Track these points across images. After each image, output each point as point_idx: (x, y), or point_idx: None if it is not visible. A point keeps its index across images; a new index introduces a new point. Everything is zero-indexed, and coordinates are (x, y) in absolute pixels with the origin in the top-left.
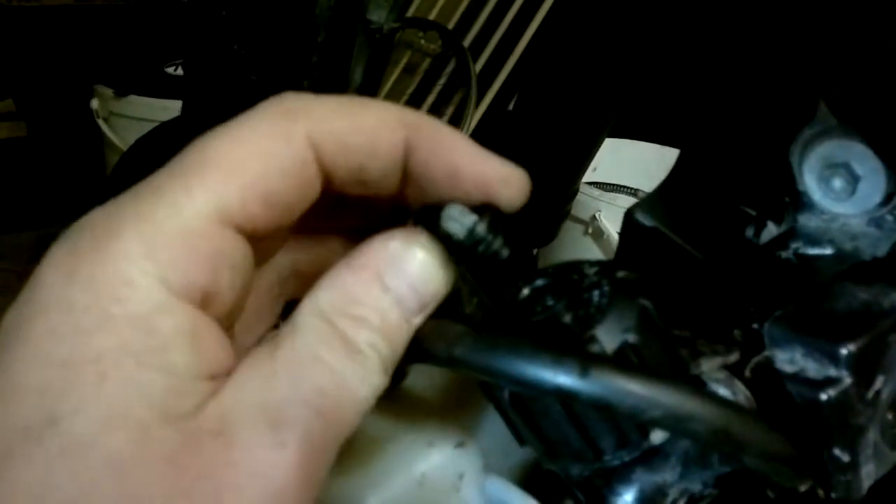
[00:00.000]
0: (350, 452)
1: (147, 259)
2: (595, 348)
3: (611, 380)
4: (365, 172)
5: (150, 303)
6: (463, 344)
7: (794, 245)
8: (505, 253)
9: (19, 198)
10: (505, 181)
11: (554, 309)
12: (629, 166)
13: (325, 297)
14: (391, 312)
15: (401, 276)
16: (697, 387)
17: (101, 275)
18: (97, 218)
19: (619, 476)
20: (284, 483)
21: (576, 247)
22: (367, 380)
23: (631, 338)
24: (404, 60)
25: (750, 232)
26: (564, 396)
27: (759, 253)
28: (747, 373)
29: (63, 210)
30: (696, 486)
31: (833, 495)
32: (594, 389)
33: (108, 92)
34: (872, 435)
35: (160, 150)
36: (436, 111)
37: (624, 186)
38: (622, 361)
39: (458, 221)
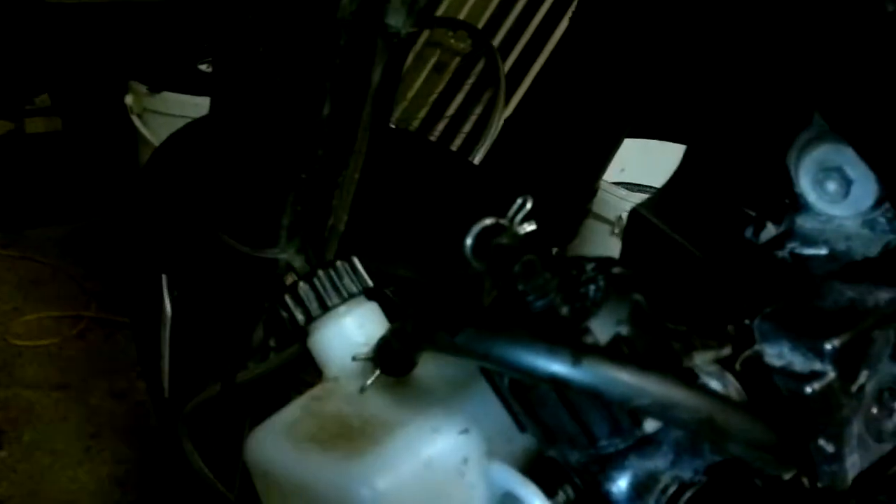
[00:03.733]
0: (360, 436)
1: None
2: (589, 340)
3: (601, 369)
4: None
5: None
6: (466, 334)
7: (790, 245)
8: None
9: (53, 192)
10: None
11: (552, 301)
12: (657, 167)
13: None
14: None
15: None
16: (687, 378)
17: None
18: None
19: (614, 463)
20: None
21: (602, 247)
22: None
23: (623, 330)
24: (433, 60)
25: (749, 232)
26: (558, 383)
27: (757, 252)
28: (738, 366)
29: (95, 205)
30: (687, 474)
31: (819, 484)
32: (585, 377)
33: (142, 88)
34: (857, 427)
35: (191, 146)
36: (464, 110)
37: (652, 187)
38: (613, 352)
39: None
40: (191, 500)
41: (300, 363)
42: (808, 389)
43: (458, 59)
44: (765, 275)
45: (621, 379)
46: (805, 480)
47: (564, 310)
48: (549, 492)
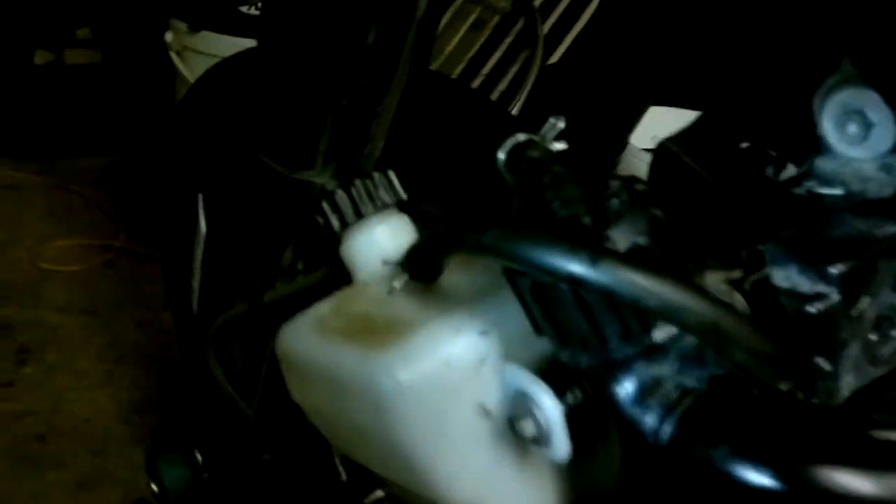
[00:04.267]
0: (385, 332)
1: None
2: (608, 246)
3: (616, 270)
4: None
5: None
6: (492, 234)
7: (808, 184)
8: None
9: (89, 123)
10: None
11: (575, 210)
12: None
13: None
14: None
15: None
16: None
17: None
18: None
19: (622, 367)
20: None
21: None
22: None
23: (641, 241)
24: (473, 17)
25: (770, 171)
26: (575, 283)
27: (776, 188)
28: (747, 286)
29: (131, 139)
30: (690, 382)
31: (814, 400)
32: (601, 277)
33: (183, 26)
34: (854, 349)
35: (228, 83)
36: (500, 69)
37: None
38: (629, 257)
39: None
40: (208, 427)
41: (327, 287)
42: (812, 309)
43: (497, 18)
44: (780, 207)
45: (634, 281)
46: (801, 394)
47: (587, 220)
48: (558, 392)
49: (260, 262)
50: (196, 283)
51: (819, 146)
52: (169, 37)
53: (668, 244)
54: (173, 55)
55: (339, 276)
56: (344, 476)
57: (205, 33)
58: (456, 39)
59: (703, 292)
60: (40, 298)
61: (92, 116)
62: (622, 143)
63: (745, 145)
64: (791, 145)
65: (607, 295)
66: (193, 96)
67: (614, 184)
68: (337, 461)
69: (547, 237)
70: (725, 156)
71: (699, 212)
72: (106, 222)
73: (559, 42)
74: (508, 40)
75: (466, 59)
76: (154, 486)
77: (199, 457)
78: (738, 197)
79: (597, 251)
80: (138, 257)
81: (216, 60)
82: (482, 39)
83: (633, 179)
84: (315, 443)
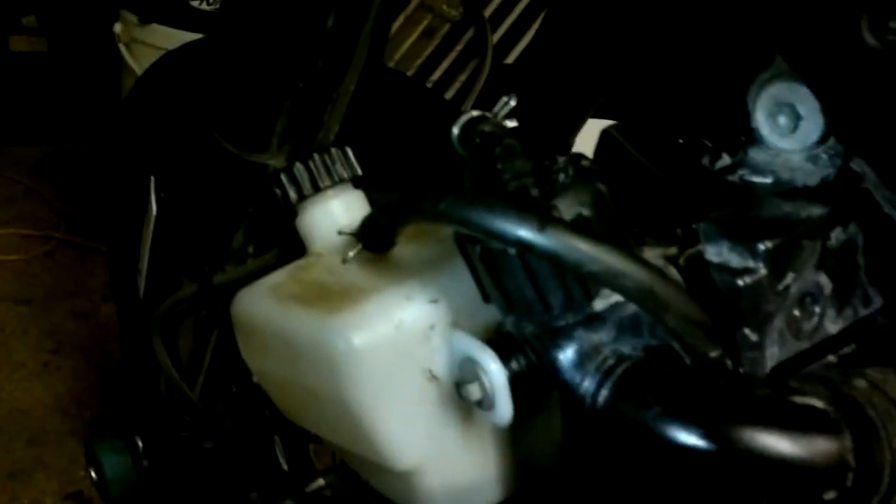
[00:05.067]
0: (339, 298)
1: None
2: (554, 216)
3: (562, 236)
4: None
5: None
6: (446, 200)
7: (740, 172)
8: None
9: (32, 112)
10: None
11: (524, 182)
12: None
13: None
14: None
15: None
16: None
17: None
18: None
19: (564, 334)
20: None
21: None
22: None
23: (585, 212)
24: (424, 24)
25: (706, 160)
26: (523, 247)
27: (710, 176)
28: (681, 261)
29: (74, 129)
30: (626, 349)
31: (740, 370)
32: (548, 242)
33: (133, 18)
34: (779, 322)
35: (183, 67)
36: (449, 77)
37: None
38: (575, 225)
39: None
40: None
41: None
42: (741, 282)
43: (448, 26)
44: (714, 192)
45: (578, 246)
46: (729, 363)
47: (535, 192)
48: (503, 358)
49: (210, 245)
50: (144, 266)
51: (751, 137)
52: (118, 28)
53: (610, 217)
54: (122, 47)
55: (289, 258)
56: (285, 465)
57: (154, 26)
58: (406, 46)
59: (641, 260)
60: None
61: (35, 105)
62: (573, 125)
63: (682, 137)
64: (725, 137)
65: (553, 261)
66: (149, 78)
67: (561, 159)
68: (278, 451)
69: (498, 203)
70: (664, 145)
71: (638, 193)
72: (47, 213)
73: (509, 51)
74: (459, 48)
75: (416, 66)
76: (93, 474)
77: (139, 444)
78: (675, 183)
79: (545, 218)
80: (79, 248)
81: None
82: (432, 47)
83: (579, 156)
84: (257, 431)
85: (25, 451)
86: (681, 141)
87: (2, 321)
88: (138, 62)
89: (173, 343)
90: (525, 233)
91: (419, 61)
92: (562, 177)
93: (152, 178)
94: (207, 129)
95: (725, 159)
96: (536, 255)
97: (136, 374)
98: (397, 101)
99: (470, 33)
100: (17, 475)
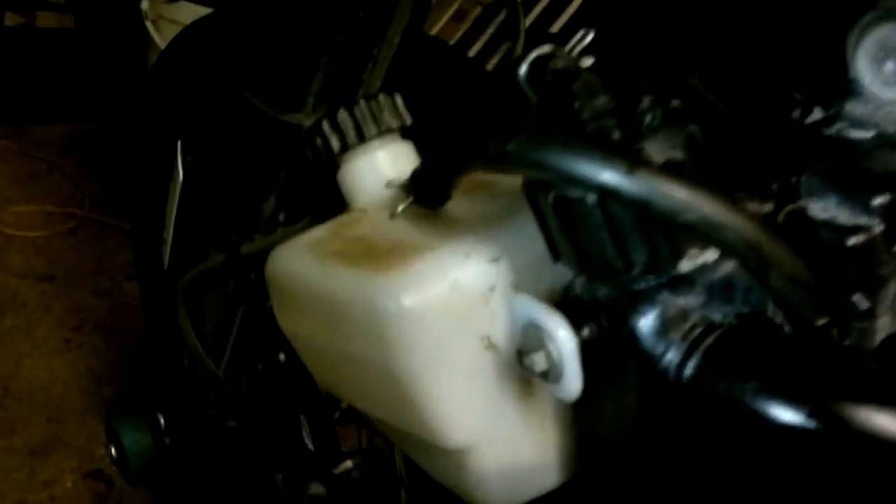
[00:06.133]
0: (388, 255)
1: None
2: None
3: (655, 180)
4: None
5: None
6: (518, 140)
7: (838, 126)
8: None
9: (59, 90)
10: None
11: (605, 124)
12: None
13: None
14: None
15: None
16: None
17: None
18: None
19: (646, 298)
20: None
21: None
22: None
23: (677, 156)
24: (455, 6)
25: (797, 114)
26: (608, 192)
27: (803, 130)
28: (780, 218)
29: (101, 107)
30: (717, 316)
31: (846, 342)
32: (637, 188)
33: None
34: (893, 288)
35: (215, 27)
36: (480, 60)
37: None
38: (668, 168)
39: None
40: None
41: None
42: (852, 241)
43: (479, 9)
44: (809, 146)
45: (673, 192)
46: (835, 333)
47: (616, 134)
48: (574, 325)
49: (238, 213)
50: (169, 235)
51: (849, 89)
52: (145, 5)
53: (705, 164)
54: (148, 24)
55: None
56: (311, 446)
57: (181, 3)
58: (437, 29)
59: (744, 211)
60: (0, 263)
61: (62, 82)
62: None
63: (768, 88)
64: (818, 88)
65: (643, 209)
66: (179, 41)
67: (647, 99)
68: (304, 431)
69: (580, 144)
70: (748, 95)
71: (724, 146)
72: (72, 190)
73: (541, 35)
74: (490, 31)
75: None
76: (112, 450)
77: (161, 420)
78: (764, 136)
79: (633, 160)
80: (102, 226)
81: None
82: (464, 30)
83: (667, 95)
84: (283, 411)
85: (45, 428)
86: (768, 93)
87: (24, 297)
88: (165, 39)
89: (198, 316)
90: (611, 176)
91: (451, 44)
92: (648, 118)
93: (179, 142)
94: (238, 88)
95: (818, 113)
96: (623, 203)
97: (159, 348)
98: (439, 67)
99: (502, 16)
100: (36, 452)
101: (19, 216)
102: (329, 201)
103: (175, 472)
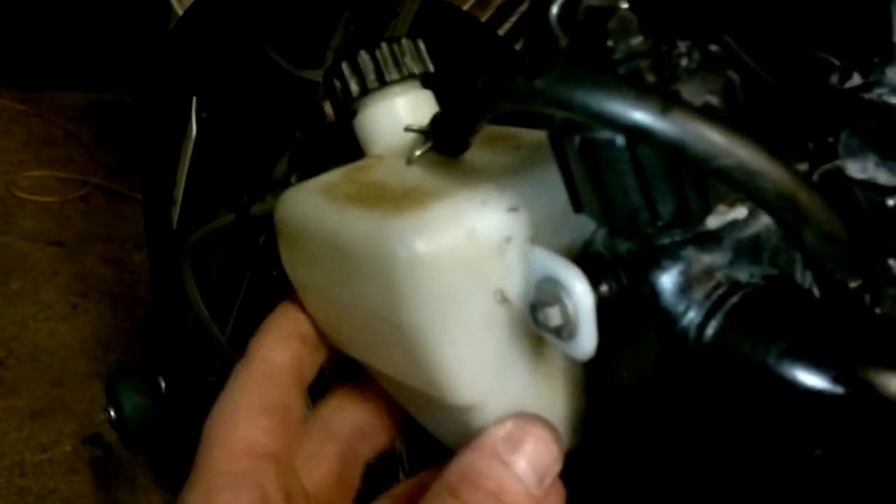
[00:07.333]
0: (403, 200)
1: None
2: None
3: (689, 121)
4: None
5: None
6: (546, 76)
7: (878, 91)
8: None
9: (77, 57)
10: None
11: (638, 65)
12: None
13: (451, 474)
14: (512, 484)
15: (517, 452)
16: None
17: None
18: None
19: (669, 254)
20: None
21: None
22: None
23: (715, 100)
24: None
25: (835, 79)
26: (640, 133)
27: (841, 95)
28: (815, 178)
29: (118, 76)
30: (742, 276)
31: (878, 310)
32: (671, 129)
33: None
34: None
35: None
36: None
37: None
38: (703, 110)
39: None
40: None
41: None
42: (892, 202)
43: None
44: (848, 109)
45: (709, 135)
46: (867, 299)
47: (650, 76)
48: (591, 280)
49: (250, 172)
50: (179, 195)
51: (890, 54)
52: None
53: (742, 113)
54: None
55: None
56: None
57: None
58: None
59: (782, 160)
60: (11, 226)
61: (80, 50)
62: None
63: (806, 52)
64: (859, 52)
65: (673, 156)
66: (179, 32)
67: (684, 43)
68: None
69: (612, 80)
70: (785, 58)
71: (759, 105)
72: (86, 158)
73: None
74: (513, 20)
75: None
76: (112, 412)
77: (162, 385)
78: (800, 98)
79: (668, 99)
80: (115, 195)
81: None
82: (485, 17)
83: (705, 39)
84: None
85: (47, 392)
86: (804, 56)
87: (33, 261)
88: (185, 8)
89: (205, 278)
90: (643, 116)
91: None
92: (685, 61)
93: (194, 98)
94: (257, 43)
95: (857, 79)
96: (655, 145)
97: (164, 311)
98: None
99: (524, 5)
100: (36, 415)
101: (32, 181)
102: (344, 154)
103: (174, 439)
